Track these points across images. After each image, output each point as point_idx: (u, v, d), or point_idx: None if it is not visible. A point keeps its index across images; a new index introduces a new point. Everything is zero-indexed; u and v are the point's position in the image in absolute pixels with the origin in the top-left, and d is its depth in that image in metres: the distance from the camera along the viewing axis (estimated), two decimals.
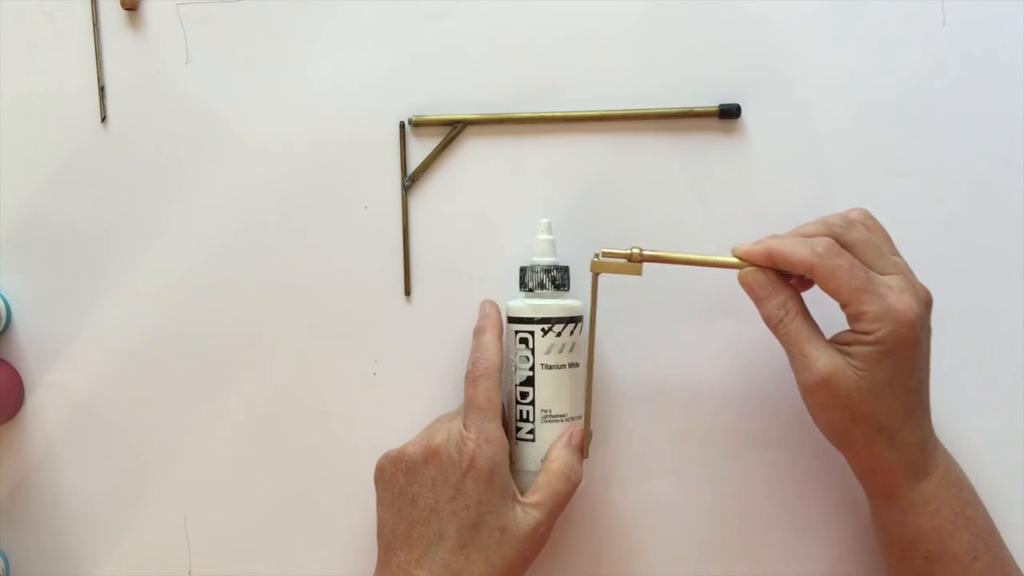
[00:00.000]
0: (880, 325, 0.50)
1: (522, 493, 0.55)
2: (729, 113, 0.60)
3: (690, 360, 0.61)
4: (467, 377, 0.56)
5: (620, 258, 0.55)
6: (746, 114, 0.61)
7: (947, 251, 0.61)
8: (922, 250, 0.60)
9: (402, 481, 0.55)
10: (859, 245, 0.52)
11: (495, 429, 0.54)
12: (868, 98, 0.61)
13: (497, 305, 0.59)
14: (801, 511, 0.61)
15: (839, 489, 0.61)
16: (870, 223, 0.54)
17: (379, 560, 0.55)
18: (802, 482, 0.61)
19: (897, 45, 0.60)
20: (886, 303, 0.50)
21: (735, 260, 0.54)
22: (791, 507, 0.61)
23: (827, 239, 0.51)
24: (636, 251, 0.55)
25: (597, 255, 0.55)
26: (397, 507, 0.55)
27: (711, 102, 0.61)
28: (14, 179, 0.63)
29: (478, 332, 0.58)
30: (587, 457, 0.57)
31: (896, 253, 0.54)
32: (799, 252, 0.51)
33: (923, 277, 0.60)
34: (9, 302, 0.63)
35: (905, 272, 0.53)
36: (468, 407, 0.55)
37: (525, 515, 0.54)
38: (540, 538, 0.54)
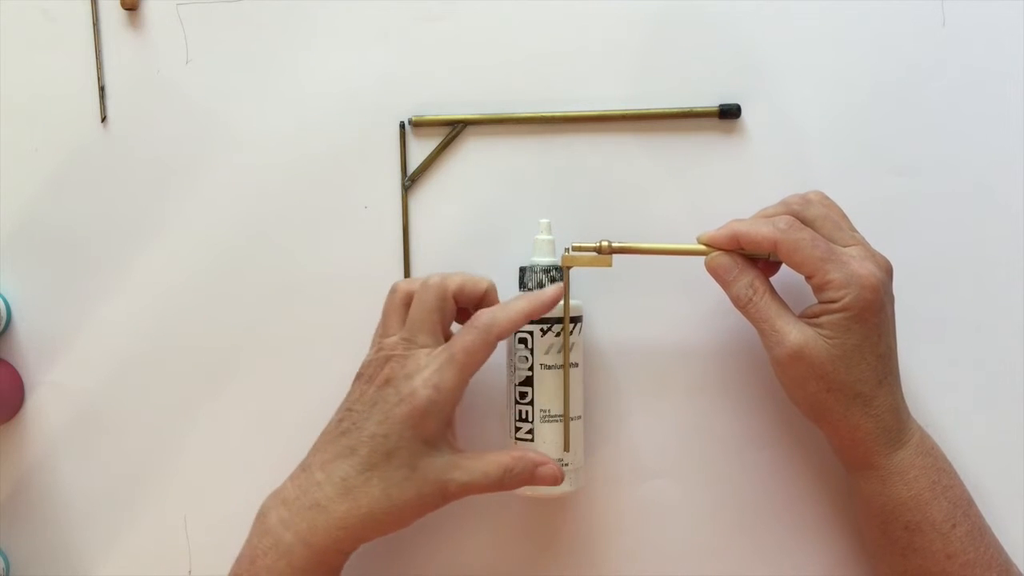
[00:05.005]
0: (846, 291, 0.52)
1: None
2: (729, 113, 0.60)
3: (690, 360, 0.61)
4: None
5: (590, 251, 0.56)
6: (746, 114, 0.61)
7: (947, 251, 0.60)
8: (922, 250, 0.60)
9: (359, 387, 0.55)
10: (818, 221, 0.54)
11: (453, 379, 0.52)
12: (868, 98, 0.61)
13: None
14: (801, 511, 0.61)
15: (838, 489, 0.61)
16: (827, 202, 0.56)
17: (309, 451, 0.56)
18: (802, 481, 0.61)
19: (897, 45, 0.60)
20: (849, 269, 0.52)
21: (702, 247, 0.56)
22: (791, 507, 0.61)
23: (788, 216, 0.54)
24: (605, 243, 0.56)
25: (568, 249, 0.56)
26: (341, 410, 0.55)
27: (711, 102, 0.61)
28: (14, 179, 0.63)
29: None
30: (568, 451, 0.57)
31: (853, 229, 0.55)
32: (762, 230, 0.53)
33: (923, 277, 0.60)
34: (9, 302, 0.63)
35: (864, 244, 0.54)
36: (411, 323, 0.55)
37: (444, 471, 0.53)
38: (448, 496, 0.53)
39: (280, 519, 0.53)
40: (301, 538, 0.52)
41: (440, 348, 0.54)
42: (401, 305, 0.56)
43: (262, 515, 0.54)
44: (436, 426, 0.53)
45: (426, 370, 0.53)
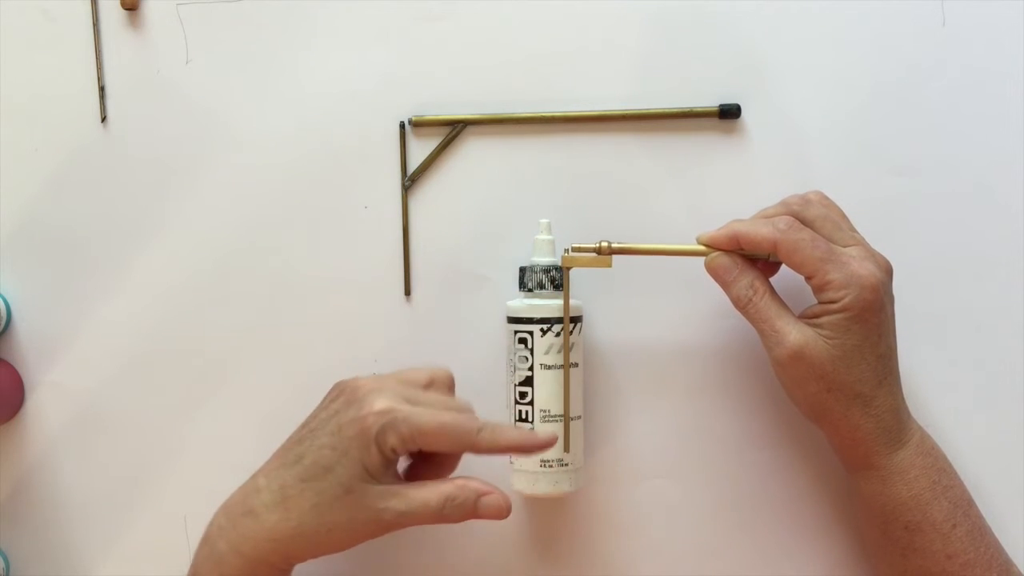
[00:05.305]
0: (846, 292, 0.52)
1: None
2: (729, 113, 0.60)
3: (690, 360, 0.61)
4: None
5: (589, 251, 0.56)
6: (746, 114, 0.61)
7: (947, 251, 0.60)
8: (922, 250, 0.60)
9: (328, 397, 0.54)
10: (818, 221, 0.54)
11: (408, 433, 0.50)
12: (868, 98, 0.60)
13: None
14: (801, 511, 0.61)
15: (838, 489, 0.61)
16: (826, 202, 0.56)
17: None
18: (802, 481, 0.61)
19: (897, 45, 0.60)
20: (849, 270, 0.52)
21: (702, 247, 0.56)
22: (791, 507, 0.61)
23: (788, 217, 0.54)
24: (604, 244, 0.56)
25: (567, 250, 0.56)
26: (307, 419, 0.54)
27: (711, 102, 0.60)
28: (14, 179, 0.63)
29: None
30: (568, 451, 0.57)
31: (853, 229, 0.55)
32: (762, 231, 0.53)
33: (923, 277, 0.60)
34: (9, 302, 0.63)
35: (863, 244, 0.54)
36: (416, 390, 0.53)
37: (381, 498, 0.50)
38: (384, 525, 0.51)
39: (218, 527, 0.52)
40: (233, 547, 0.51)
41: (425, 408, 0.51)
42: (426, 382, 0.55)
43: (208, 524, 0.53)
44: (379, 457, 0.50)
45: (395, 403, 0.51)
